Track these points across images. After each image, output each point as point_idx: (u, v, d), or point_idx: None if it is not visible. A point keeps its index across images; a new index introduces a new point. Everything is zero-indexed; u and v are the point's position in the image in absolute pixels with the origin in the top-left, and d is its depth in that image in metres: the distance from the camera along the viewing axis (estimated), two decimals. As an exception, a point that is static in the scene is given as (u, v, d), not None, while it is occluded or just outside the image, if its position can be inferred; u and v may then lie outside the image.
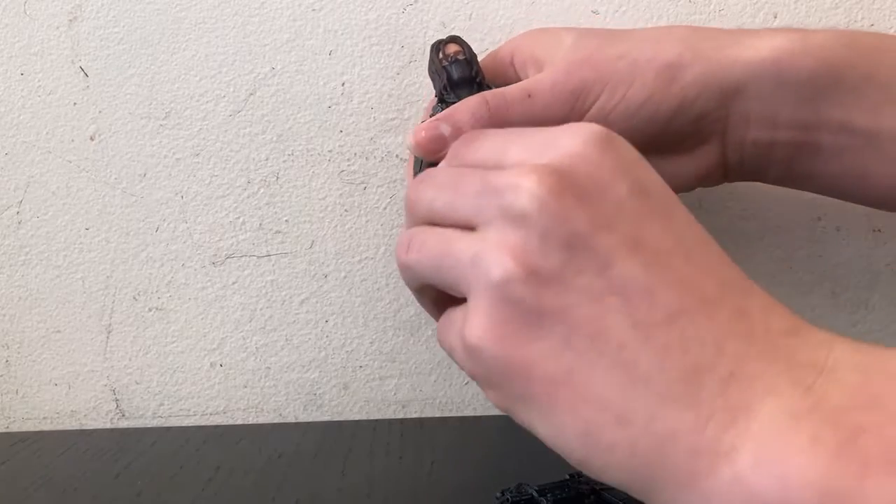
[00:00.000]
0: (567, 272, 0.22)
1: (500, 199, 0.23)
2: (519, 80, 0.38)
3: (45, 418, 0.50)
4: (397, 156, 0.47)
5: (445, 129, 0.33)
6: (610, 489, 0.35)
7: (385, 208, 0.47)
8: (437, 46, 0.37)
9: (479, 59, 0.38)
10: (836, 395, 0.20)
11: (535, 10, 0.45)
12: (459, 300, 0.26)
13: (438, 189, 0.26)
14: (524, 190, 0.23)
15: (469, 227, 0.25)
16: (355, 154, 0.47)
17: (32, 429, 0.50)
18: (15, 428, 0.50)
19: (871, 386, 0.20)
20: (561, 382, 0.22)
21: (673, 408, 0.21)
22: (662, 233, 0.23)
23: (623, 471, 0.22)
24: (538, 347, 0.23)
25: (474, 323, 0.23)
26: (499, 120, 0.33)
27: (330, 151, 0.47)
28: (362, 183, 0.47)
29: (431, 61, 0.38)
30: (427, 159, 0.33)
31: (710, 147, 0.36)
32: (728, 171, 0.37)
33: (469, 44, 0.37)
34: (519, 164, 0.24)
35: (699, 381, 0.21)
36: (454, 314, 0.26)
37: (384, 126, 0.46)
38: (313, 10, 0.46)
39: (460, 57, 0.36)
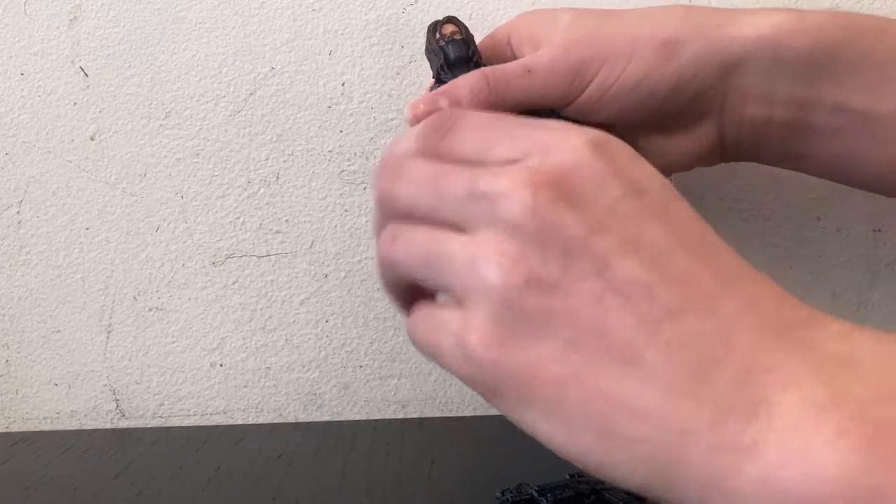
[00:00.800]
0: (566, 277, 0.22)
1: (493, 206, 0.23)
2: (516, 60, 0.38)
3: (45, 418, 0.50)
4: (397, 156, 0.47)
5: (444, 103, 0.33)
6: (610, 489, 0.35)
7: (385, 208, 0.47)
8: (434, 27, 0.38)
9: (476, 40, 0.38)
10: (860, 387, 0.20)
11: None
12: (430, 293, 0.25)
13: (418, 187, 0.25)
14: (517, 199, 0.22)
15: (456, 228, 0.24)
16: (355, 154, 0.47)
17: (32, 429, 0.50)
18: (15, 428, 0.50)
19: (894, 378, 0.20)
20: (569, 383, 0.22)
21: (686, 404, 0.21)
22: (660, 231, 0.23)
23: (645, 470, 0.21)
24: (543, 351, 0.22)
25: (477, 329, 0.23)
26: (498, 96, 0.33)
27: (330, 151, 0.47)
28: (362, 183, 0.47)
29: (428, 42, 0.38)
30: None
31: (708, 124, 0.36)
32: (725, 149, 0.37)
33: (466, 24, 0.37)
34: (508, 165, 0.24)
35: (710, 377, 0.21)
36: (444, 315, 0.24)
37: (384, 126, 0.46)
38: (313, 10, 0.46)
39: (457, 37, 0.36)
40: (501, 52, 0.39)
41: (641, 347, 0.21)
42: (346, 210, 0.47)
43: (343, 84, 0.46)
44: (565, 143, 0.24)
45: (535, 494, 0.35)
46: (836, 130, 0.34)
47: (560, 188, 0.23)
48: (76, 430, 0.49)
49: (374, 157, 0.47)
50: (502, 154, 0.24)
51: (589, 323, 0.22)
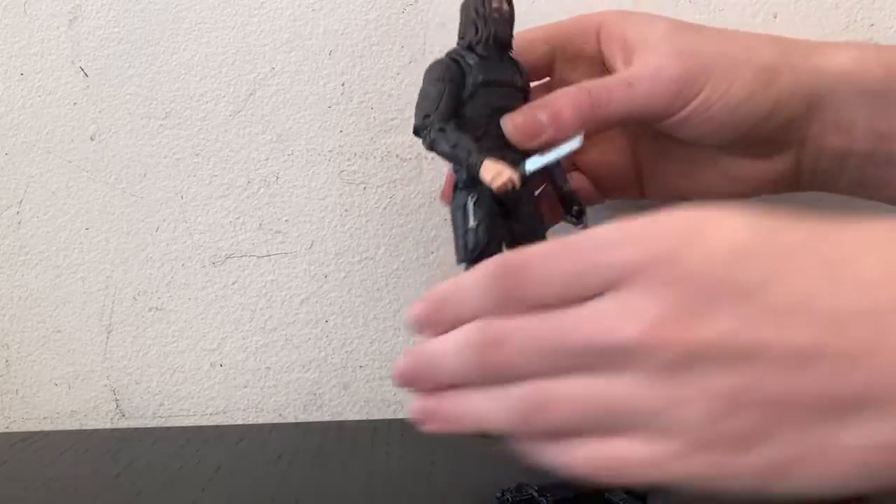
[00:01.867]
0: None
1: (632, 355, 0.24)
2: (600, 52, 0.38)
3: (45, 418, 0.50)
4: (397, 156, 0.47)
5: (543, 117, 0.33)
6: (610, 489, 0.35)
7: (385, 208, 0.47)
8: None
9: (556, 22, 0.38)
10: None
11: (534, 10, 0.45)
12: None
13: (533, 355, 0.26)
14: (658, 348, 0.24)
15: (584, 370, 0.25)
16: (355, 154, 0.47)
17: (32, 429, 0.50)
18: (15, 428, 0.50)
19: None
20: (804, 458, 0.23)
21: None
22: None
23: None
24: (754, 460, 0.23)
25: (686, 461, 0.24)
26: (600, 109, 0.33)
27: (330, 151, 0.47)
28: (362, 183, 0.47)
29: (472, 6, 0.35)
30: (522, 146, 0.33)
31: (788, 154, 0.37)
32: (801, 178, 0.38)
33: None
34: (603, 305, 0.25)
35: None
36: (631, 448, 0.25)
37: (384, 126, 0.46)
38: (313, 10, 0.46)
39: (506, 10, 0.34)
40: (584, 40, 0.38)
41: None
42: (346, 210, 0.47)
43: (343, 84, 0.46)
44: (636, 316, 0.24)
45: (535, 494, 0.35)
46: None
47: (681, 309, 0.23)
48: (76, 430, 0.49)
49: (374, 157, 0.47)
50: (588, 290, 0.25)
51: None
